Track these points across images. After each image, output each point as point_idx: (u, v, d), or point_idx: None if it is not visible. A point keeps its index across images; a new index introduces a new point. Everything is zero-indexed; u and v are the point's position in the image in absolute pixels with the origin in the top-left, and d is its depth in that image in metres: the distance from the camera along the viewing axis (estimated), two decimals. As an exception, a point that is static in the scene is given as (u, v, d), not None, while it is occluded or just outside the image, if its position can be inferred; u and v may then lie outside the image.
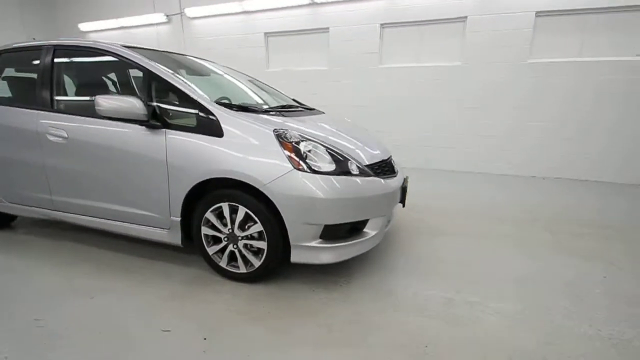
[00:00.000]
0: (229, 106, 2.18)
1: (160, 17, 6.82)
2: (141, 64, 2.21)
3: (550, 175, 5.05)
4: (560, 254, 2.60)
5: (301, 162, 1.92)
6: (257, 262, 2.08)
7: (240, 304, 1.97)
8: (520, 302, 1.99)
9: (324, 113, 2.98)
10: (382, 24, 5.40)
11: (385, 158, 2.46)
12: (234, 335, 1.71)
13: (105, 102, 2.03)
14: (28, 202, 2.69)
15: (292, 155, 1.93)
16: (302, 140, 1.99)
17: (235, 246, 2.10)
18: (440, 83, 5.29)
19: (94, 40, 2.43)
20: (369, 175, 2.11)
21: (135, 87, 2.86)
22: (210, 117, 2.05)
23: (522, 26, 4.70)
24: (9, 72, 2.83)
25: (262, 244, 2.03)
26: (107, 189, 2.35)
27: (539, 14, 4.61)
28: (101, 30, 7.59)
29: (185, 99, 2.12)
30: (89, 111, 2.30)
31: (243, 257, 2.11)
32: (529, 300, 2.01)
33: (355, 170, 2.05)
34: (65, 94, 2.52)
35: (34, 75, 2.57)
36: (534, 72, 4.77)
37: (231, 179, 2.00)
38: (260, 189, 1.91)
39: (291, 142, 1.96)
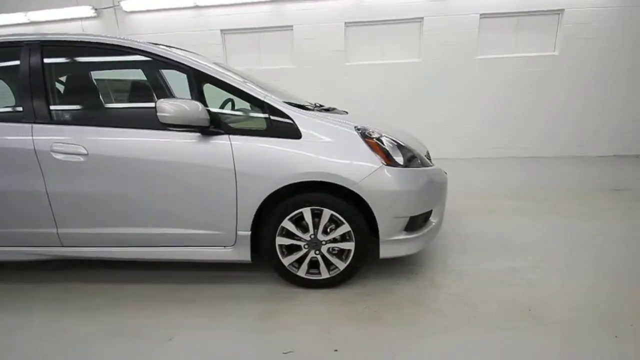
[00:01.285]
0: (292, 105, 2.06)
1: (86, 11, 5.84)
2: (186, 63, 1.93)
3: (498, 155, 5.90)
4: (555, 215, 3.13)
5: (387, 158, 1.94)
6: (342, 265, 2.03)
7: (340, 309, 1.91)
8: (565, 259, 2.36)
9: (347, 113, 3.00)
10: (346, 22, 5.56)
11: (427, 149, 2.61)
12: (358, 340, 1.66)
13: (170, 106, 1.72)
14: (9, 241, 2.12)
15: (378, 151, 1.93)
16: (382, 136, 2.01)
17: (317, 252, 2.02)
18: (402, 78, 5.70)
19: (107, 36, 2.02)
20: (431, 166, 2.23)
21: (167, 89, 2.46)
22: (284, 118, 1.92)
23: (470, 26, 5.36)
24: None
25: (349, 245, 1.99)
26: (147, 211, 2.01)
27: (483, 15, 5.31)
28: (1, 26, 6.15)
29: (250, 101, 1.94)
30: (121, 121, 1.94)
31: (326, 261, 2.04)
32: (572, 257, 2.40)
33: (424, 162, 2.15)
34: (70, 102, 2.06)
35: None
36: (481, 66, 5.50)
37: (310, 182, 1.91)
38: (352, 188, 1.88)
39: (374, 139, 1.96)
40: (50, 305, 2.05)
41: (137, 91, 2.41)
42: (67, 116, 2.02)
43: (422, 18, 5.42)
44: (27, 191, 1.99)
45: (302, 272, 2.07)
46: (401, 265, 2.34)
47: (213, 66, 1.98)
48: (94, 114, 2.11)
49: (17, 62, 2.03)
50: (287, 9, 5.58)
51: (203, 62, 1.97)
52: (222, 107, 2.25)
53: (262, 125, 1.93)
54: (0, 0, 5.96)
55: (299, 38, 5.67)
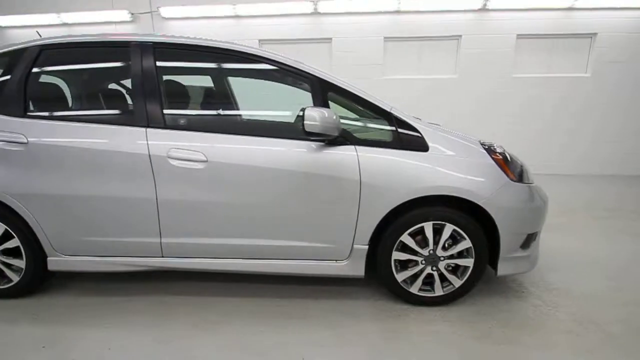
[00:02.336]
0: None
1: (122, 15, 5.78)
2: (312, 72, 1.90)
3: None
4: (622, 234, 3.15)
5: (512, 173, 1.92)
6: (457, 282, 1.98)
7: (463, 329, 1.84)
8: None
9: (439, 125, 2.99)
10: (385, 37, 5.63)
11: None
12: (503, 362, 1.60)
13: (319, 115, 1.66)
14: (105, 251, 2.01)
15: (504, 166, 1.91)
16: (504, 152, 1.99)
17: (434, 268, 1.96)
18: (438, 93, 5.77)
19: (223, 41, 1.97)
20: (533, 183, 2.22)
21: (233, 97, 2.40)
22: (411, 130, 1.89)
23: (506, 46, 5.49)
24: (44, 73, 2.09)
25: (468, 262, 1.94)
26: (259, 221, 1.93)
27: (519, 36, 5.46)
28: (30, 27, 6.01)
29: (376, 112, 1.91)
30: (237, 127, 1.88)
31: (442, 278, 1.98)
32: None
33: (531, 177, 2.14)
34: (185, 107, 1.98)
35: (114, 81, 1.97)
36: (516, 84, 5.62)
37: (430, 196, 1.87)
38: (480, 203, 1.84)
39: (499, 154, 1.94)
40: (154, 320, 1.93)
41: (228, 98, 2.35)
42: (182, 121, 1.95)
43: (460, 36, 5.53)
44: (135, 197, 1.89)
45: (414, 289, 2.00)
46: (498, 283, 2.29)
47: (336, 77, 1.94)
48: (212, 120, 2.04)
49: (126, 63, 1.97)
50: (327, 21, 5.63)
51: (326, 72, 1.94)
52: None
53: (388, 137, 1.90)
54: (35, 1, 5.85)
55: (338, 50, 5.71)
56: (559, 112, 5.66)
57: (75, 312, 2.01)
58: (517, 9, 5.28)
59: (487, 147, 1.94)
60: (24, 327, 1.89)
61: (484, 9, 5.32)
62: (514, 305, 2.06)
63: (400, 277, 1.99)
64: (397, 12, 5.44)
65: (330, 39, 5.70)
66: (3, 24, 6.05)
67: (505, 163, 1.93)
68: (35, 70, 1.98)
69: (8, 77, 1.97)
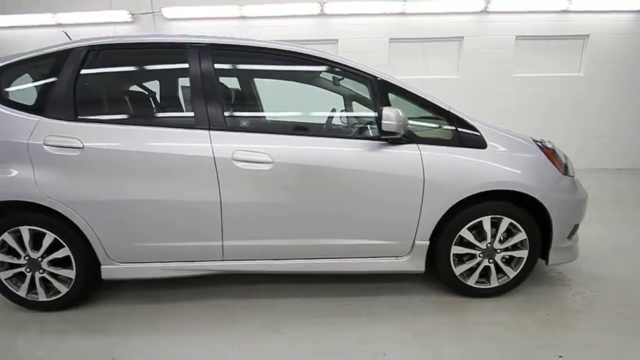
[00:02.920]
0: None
1: (121, 15, 5.60)
2: (372, 73, 1.93)
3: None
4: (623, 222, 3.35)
5: (563, 168, 2.02)
6: (512, 273, 2.06)
7: (522, 316, 1.93)
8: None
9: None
10: (390, 39, 5.73)
11: None
12: (577, 346, 1.69)
13: (395, 115, 1.70)
14: (161, 257, 1.97)
15: (555, 161, 2.01)
16: (553, 147, 2.09)
17: (490, 260, 2.03)
18: (441, 93, 5.90)
19: (280, 42, 1.97)
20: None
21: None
22: (470, 129, 1.96)
23: (506, 47, 5.70)
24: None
25: (522, 253, 2.03)
26: (320, 221, 1.95)
27: (518, 37, 5.68)
28: (23, 27, 5.75)
29: (436, 111, 1.97)
30: (299, 128, 1.89)
31: (497, 270, 2.06)
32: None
33: (573, 170, 2.25)
34: (243, 108, 1.97)
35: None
36: (516, 83, 5.84)
37: (487, 191, 1.94)
38: (536, 196, 1.93)
39: (551, 150, 2.04)
40: (216, 324, 1.92)
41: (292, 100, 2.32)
42: (244, 123, 1.94)
43: (462, 37, 5.70)
44: (198, 201, 1.87)
45: (471, 282, 2.07)
46: (540, 274, 2.39)
47: (395, 77, 1.99)
48: (275, 121, 2.04)
49: (182, 65, 1.94)
50: (333, 23, 5.67)
51: (385, 73, 1.98)
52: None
53: (448, 135, 1.96)
54: (31, 1, 5.58)
55: (344, 51, 5.76)
56: (555, 110, 5.92)
57: (131, 321, 1.97)
58: (516, 11, 5.49)
59: (538, 143, 2.04)
60: (86, 338, 1.84)
61: (485, 11, 5.51)
62: (561, 293, 2.17)
63: (458, 270, 2.05)
64: (402, 14, 5.55)
65: (337, 40, 5.74)
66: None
67: (555, 157, 2.03)
68: (83, 72, 1.92)
69: (55, 79, 1.90)
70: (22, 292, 1.99)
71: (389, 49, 5.77)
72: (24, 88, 2.03)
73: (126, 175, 1.85)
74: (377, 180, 1.89)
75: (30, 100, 2.04)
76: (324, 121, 2.16)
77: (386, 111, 1.71)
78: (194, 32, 5.45)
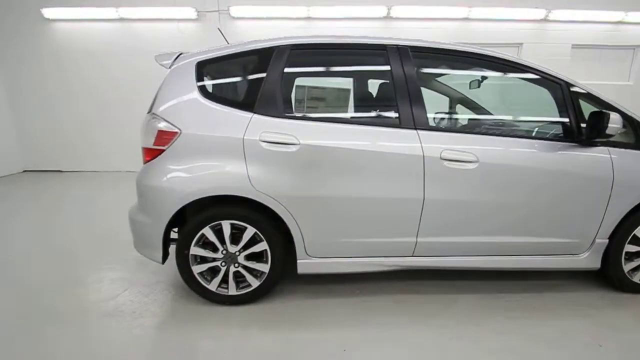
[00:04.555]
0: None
1: (187, 12, 5.59)
2: (565, 79, 2.03)
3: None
4: None
5: None
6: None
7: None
8: None
9: None
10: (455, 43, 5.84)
11: None
12: None
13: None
14: (354, 252, 2.03)
15: None
16: None
17: (658, 255, 2.15)
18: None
19: (481, 48, 2.05)
20: None
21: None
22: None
23: (563, 54, 5.89)
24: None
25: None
26: (509, 219, 2.02)
27: (574, 45, 5.88)
28: (82, 21, 5.68)
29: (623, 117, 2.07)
30: (506, 130, 1.98)
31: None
32: None
33: None
34: (445, 109, 2.04)
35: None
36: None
37: None
38: None
39: None
40: (416, 318, 1.98)
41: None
42: (447, 123, 2.00)
43: (522, 44, 5.87)
44: (402, 198, 1.93)
45: (637, 278, 2.18)
46: None
47: (582, 84, 2.08)
48: (477, 123, 2.11)
49: (383, 66, 2.01)
50: (398, 25, 5.74)
51: (573, 79, 2.07)
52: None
53: (632, 139, 2.07)
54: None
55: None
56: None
57: (323, 314, 2.01)
58: (574, 20, 5.69)
59: None
60: (303, 332, 1.88)
61: (545, 20, 5.69)
62: None
63: (627, 267, 2.16)
64: (466, 19, 5.69)
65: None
66: (50, 16, 5.65)
67: None
68: (287, 70, 1.97)
69: (263, 76, 1.94)
70: (212, 286, 2.02)
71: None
72: (224, 83, 2.06)
73: (336, 171, 1.90)
74: (570, 180, 1.98)
75: (231, 95, 2.08)
76: (518, 122, 2.25)
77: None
78: (258, 33, 5.49)
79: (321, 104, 2.11)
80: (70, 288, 2.31)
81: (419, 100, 1.95)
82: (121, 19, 5.70)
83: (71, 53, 5.88)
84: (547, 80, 2.07)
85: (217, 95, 1.98)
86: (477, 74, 2.26)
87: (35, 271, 2.55)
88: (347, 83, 2.17)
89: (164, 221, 1.92)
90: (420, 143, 1.89)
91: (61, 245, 3.05)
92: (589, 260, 2.12)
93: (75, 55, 5.89)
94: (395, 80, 1.96)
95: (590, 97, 2.07)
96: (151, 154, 1.95)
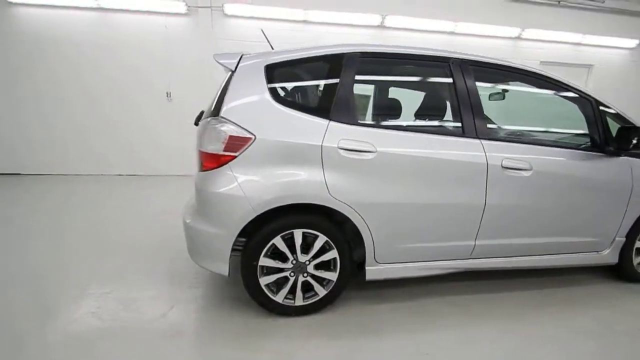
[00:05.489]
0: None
1: (176, 6, 5.27)
2: (594, 96, 2.27)
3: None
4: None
5: None
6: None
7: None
8: None
9: None
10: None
11: None
12: None
13: None
14: (418, 256, 2.10)
15: None
16: None
17: (661, 254, 2.50)
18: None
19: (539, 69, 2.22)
20: None
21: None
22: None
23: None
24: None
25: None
26: (546, 222, 2.23)
27: (542, 62, 6.54)
28: (59, 7, 5.07)
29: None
30: (547, 140, 2.17)
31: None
32: None
33: None
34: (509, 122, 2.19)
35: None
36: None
37: None
38: None
39: None
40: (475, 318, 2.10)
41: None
42: (504, 133, 2.14)
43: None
44: (467, 203, 2.03)
45: (640, 269, 2.52)
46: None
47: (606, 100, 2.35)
48: (530, 134, 2.25)
49: (446, 78, 2.10)
50: (389, 35, 5.94)
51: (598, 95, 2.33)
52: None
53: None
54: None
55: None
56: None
57: (382, 320, 2.05)
58: (543, 40, 6.32)
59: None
60: (376, 339, 1.88)
61: (518, 38, 6.26)
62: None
63: (636, 261, 2.49)
64: (452, 33, 6.06)
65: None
66: (13, 0, 4.99)
67: None
68: (357, 77, 1.97)
69: (336, 83, 1.92)
70: (279, 297, 1.95)
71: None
72: (295, 88, 2.00)
73: (409, 178, 1.95)
74: (600, 186, 2.23)
75: (304, 101, 2.02)
76: (560, 134, 2.47)
77: None
78: (252, 33, 5.35)
79: (389, 112, 2.15)
80: (111, 308, 2.07)
81: (480, 112, 2.07)
82: (100, 8, 5.20)
83: (37, 43, 5.23)
84: (578, 97, 2.30)
85: (289, 100, 1.93)
86: (523, 89, 2.46)
87: (47, 290, 2.25)
88: (414, 93, 2.24)
89: (235, 231, 1.82)
90: (485, 152, 2.01)
91: (67, 259, 2.72)
92: (609, 256, 2.40)
93: (41, 45, 5.25)
94: (459, 92, 2.05)
95: (616, 117, 2.34)
96: (217, 161, 1.83)
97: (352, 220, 1.91)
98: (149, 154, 5.81)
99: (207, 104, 2.17)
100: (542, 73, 2.26)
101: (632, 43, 6.51)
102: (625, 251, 2.44)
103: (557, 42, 6.41)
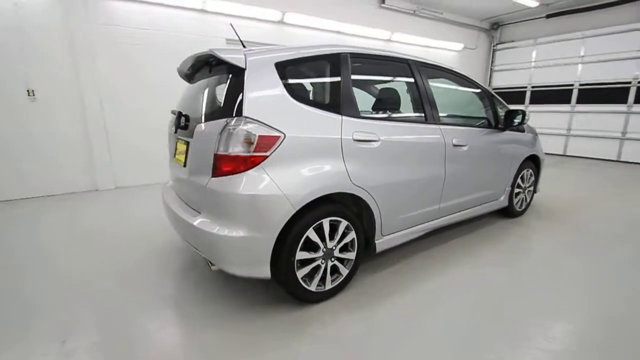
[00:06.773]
0: None
1: None
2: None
3: None
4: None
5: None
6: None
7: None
8: None
9: None
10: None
11: None
12: None
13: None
14: (407, 224, 2.55)
15: None
16: None
17: None
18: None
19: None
20: None
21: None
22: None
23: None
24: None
25: None
26: (477, 182, 3.04)
27: None
28: None
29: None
30: (472, 123, 2.91)
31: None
32: None
33: None
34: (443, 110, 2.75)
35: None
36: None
37: None
38: None
39: None
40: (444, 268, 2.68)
41: None
42: (448, 120, 2.72)
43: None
44: (435, 175, 2.58)
45: (518, 207, 3.69)
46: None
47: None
48: (461, 118, 2.86)
49: (408, 78, 2.56)
50: (292, 32, 6.14)
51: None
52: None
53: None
54: None
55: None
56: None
57: (388, 285, 2.40)
58: (410, 43, 7.76)
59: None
60: (396, 297, 2.24)
61: (389, 40, 7.49)
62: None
63: (515, 200, 3.62)
64: (339, 32, 6.73)
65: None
66: None
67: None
68: (353, 75, 2.19)
69: (339, 80, 2.09)
70: (312, 286, 2.05)
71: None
72: (305, 85, 2.03)
73: (403, 160, 2.33)
74: (498, 152, 3.17)
75: (314, 97, 2.08)
76: (473, 118, 3.23)
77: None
78: (137, 18, 4.69)
79: (378, 105, 2.44)
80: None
81: (434, 102, 2.62)
82: None
83: None
84: (481, 90, 3.16)
85: (302, 97, 1.98)
86: (445, 85, 3.17)
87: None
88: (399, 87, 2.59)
89: (276, 232, 1.82)
90: (442, 135, 2.58)
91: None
92: (504, 201, 3.43)
93: None
94: (419, 87, 2.55)
95: (499, 101, 3.31)
96: (245, 163, 1.76)
97: (367, 201, 2.16)
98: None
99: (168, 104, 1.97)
100: (461, 72, 2.99)
101: (459, 46, 8.73)
102: (511, 195, 3.53)
103: (414, 45, 7.98)
